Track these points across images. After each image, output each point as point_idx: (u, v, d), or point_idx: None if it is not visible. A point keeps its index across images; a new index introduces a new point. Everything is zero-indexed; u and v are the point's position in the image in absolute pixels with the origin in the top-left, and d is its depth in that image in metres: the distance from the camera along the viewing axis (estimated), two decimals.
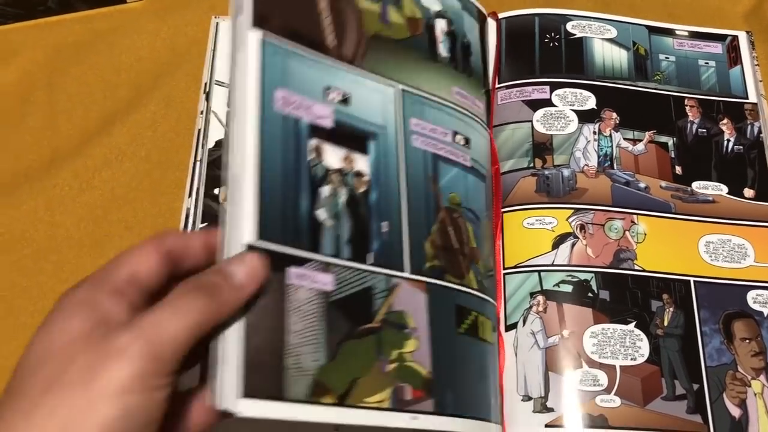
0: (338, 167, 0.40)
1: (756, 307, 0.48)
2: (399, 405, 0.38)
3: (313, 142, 0.39)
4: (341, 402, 0.35)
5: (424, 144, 0.44)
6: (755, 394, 0.46)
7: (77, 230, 0.54)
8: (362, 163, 0.41)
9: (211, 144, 0.55)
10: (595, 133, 0.53)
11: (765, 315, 0.48)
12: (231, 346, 0.32)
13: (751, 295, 0.48)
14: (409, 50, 0.46)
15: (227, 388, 0.32)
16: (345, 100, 0.41)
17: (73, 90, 0.60)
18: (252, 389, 0.32)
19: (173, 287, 0.32)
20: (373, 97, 0.43)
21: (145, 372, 0.29)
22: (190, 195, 0.54)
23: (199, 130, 0.56)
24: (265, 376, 0.33)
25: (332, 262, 0.38)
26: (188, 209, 0.53)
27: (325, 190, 0.39)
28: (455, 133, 0.47)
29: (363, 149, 0.42)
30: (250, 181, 0.35)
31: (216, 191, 0.54)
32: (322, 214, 0.38)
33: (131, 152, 0.57)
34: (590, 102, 0.54)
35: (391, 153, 0.43)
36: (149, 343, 0.29)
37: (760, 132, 0.54)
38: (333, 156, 0.40)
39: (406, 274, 0.41)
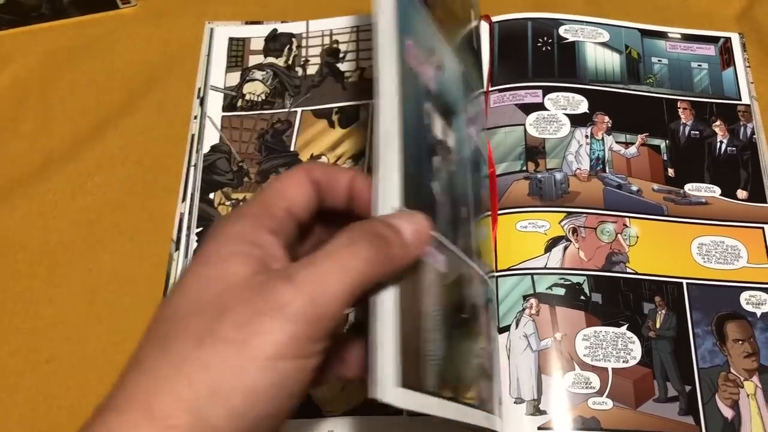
0: (440, 138, 0.35)
1: (749, 308, 0.48)
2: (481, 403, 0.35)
3: (428, 105, 0.34)
4: (455, 398, 0.32)
5: (474, 134, 0.43)
6: (748, 396, 0.46)
7: (70, 235, 0.54)
8: (451, 140, 0.37)
9: (206, 149, 0.56)
10: (587, 136, 0.53)
11: (758, 316, 0.48)
12: (388, 327, 0.27)
13: (744, 297, 0.49)
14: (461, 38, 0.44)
15: (384, 376, 0.26)
16: (439, 68, 0.37)
17: (66, 95, 0.60)
18: (407, 378, 0.27)
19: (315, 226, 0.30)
20: (452, 73, 0.39)
21: (302, 335, 0.26)
22: (183, 199, 0.54)
23: (193, 135, 0.57)
24: (413, 365, 0.28)
25: (443, 242, 0.33)
26: (182, 213, 0.54)
27: (435, 161, 0.34)
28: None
29: (450, 125, 0.37)
30: (397, 138, 0.30)
31: (211, 196, 0.54)
32: (436, 186, 0.34)
33: (123, 157, 0.57)
34: (582, 106, 0.55)
35: (464, 136, 0.39)
36: (311, 302, 0.26)
37: (753, 133, 0.55)
38: (438, 125, 0.35)
39: (474, 266, 0.39)
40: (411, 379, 0.28)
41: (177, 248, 0.52)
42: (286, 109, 0.57)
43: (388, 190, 0.29)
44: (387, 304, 0.27)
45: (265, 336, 0.26)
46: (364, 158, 0.54)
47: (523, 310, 0.47)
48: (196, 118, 0.57)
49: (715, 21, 0.60)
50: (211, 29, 0.61)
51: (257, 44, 0.60)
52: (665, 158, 0.54)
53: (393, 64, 0.30)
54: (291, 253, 0.30)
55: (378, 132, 0.30)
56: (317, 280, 0.26)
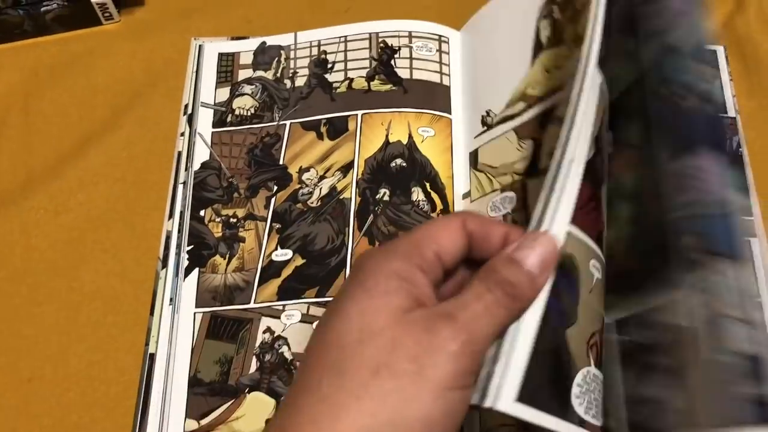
0: None
1: None
2: None
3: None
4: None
5: None
6: None
7: (53, 253, 0.54)
8: None
9: (196, 166, 0.55)
10: None
11: None
12: (521, 343, 0.30)
13: None
14: None
15: (506, 390, 0.30)
16: None
17: (49, 112, 0.60)
18: (528, 395, 0.30)
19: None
20: None
21: (464, 369, 0.29)
22: (170, 217, 0.54)
23: (180, 152, 0.56)
24: (538, 382, 0.31)
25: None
26: (169, 231, 0.53)
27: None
28: None
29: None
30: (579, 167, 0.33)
31: (202, 213, 0.54)
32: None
33: (106, 174, 0.57)
34: None
35: None
36: (469, 340, 0.29)
37: (739, 146, 0.55)
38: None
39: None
40: (534, 396, 0.30)
41: (164, 266, 0.52)
42: (275, 123, 0.57)
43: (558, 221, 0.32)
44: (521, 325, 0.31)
45: (435, 369, 0.28)
46: (353, 169, 0.54)
47: None
48: (183, 134, 0.57)
49: None
50: (200, 45, 0.61)
51: (246, 58, 0.60)
52: None
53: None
54: (435, 292, 0.32)
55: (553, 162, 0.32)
56: (472, 321, 0.29)
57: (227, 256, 0.52)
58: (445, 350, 0.28)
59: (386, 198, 0.53)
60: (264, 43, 0.61)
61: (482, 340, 0.30)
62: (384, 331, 0.29)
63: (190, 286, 0.51)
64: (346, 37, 0.60)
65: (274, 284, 0.51)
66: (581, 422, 0.32)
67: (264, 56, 0.60)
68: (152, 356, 0.49)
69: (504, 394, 0.29)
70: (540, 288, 0.31)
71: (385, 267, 0.31)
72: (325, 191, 0.54)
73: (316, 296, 0.50)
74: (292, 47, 0.60)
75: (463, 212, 0.34)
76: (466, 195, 0.52)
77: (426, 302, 0.31)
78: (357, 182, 0.54)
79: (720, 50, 0.59)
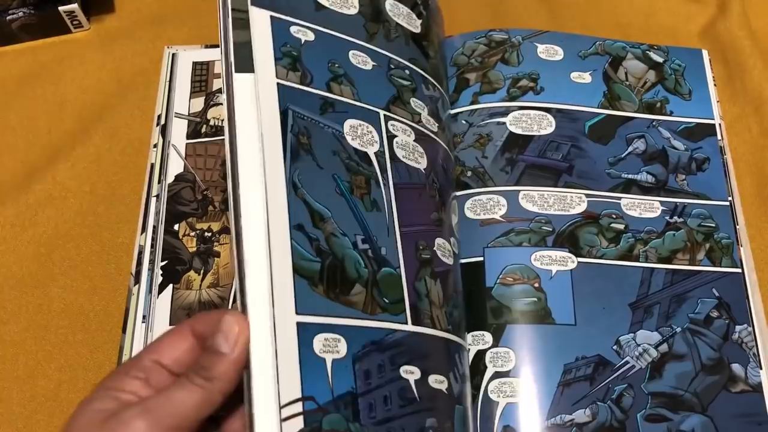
0: None
1: None
2: None
3: None
4: None
5: None
6: None
7: (20, 269, 0.53)
8: None
9: (170, 178, 0.55)
10: None
11: None
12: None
13: None
14: None
15: None
16: None
17: (17, 124, 0.59)
18: None
19: None
20: None
21: None
22: (143, 231, 0.53)
23: (152, 164, 0.55)
24: None
25: None
26: (141, 246, 0.52)
27: None
28: None
29: None
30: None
31: (176, 227, 0.53)
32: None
33: (76, 187, 0.56)
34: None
35: None
36: (154, 417, 0.32)
37: (723, 152, 0.55)
38: None
39: None
40: None
41: (136, 282, 0.51)
42: None
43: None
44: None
45: None
46: None
47: None
48: (155, 146, 0.56)
49: (678, 37, 0.61)
50: (173, 54, 0.60)
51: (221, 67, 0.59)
52: None
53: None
54: None
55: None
56: (162, 402, 0.33)
57: (202, 271, 0.51)
58: (129, 428, 0.32)
59: None
60: None
61: (174, 417, 0.33)
62: (81, 428, 0.33)
63: (163, 302, 0.50)
64: None
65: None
66: None
67: None
68: None
69: None
70: (236, 361, 0.34)
71: (101, 382, 0.36)
72: None
73: None
74: None
75: (193, 318, 0.38)
76: None
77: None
78: None
79: (703, 54, 0.59)
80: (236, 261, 0.36)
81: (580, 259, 0.49)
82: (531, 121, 0.54)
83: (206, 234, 0.53)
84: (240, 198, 0.36)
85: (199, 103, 0.58)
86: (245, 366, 0.34)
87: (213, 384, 0.34)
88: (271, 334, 0.35)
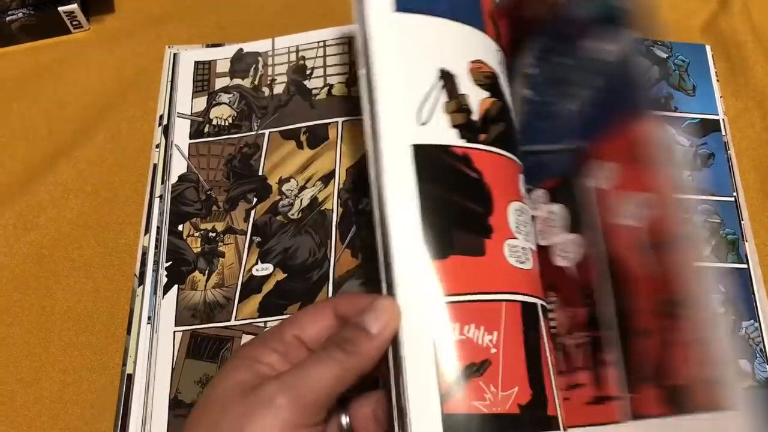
0: None
1: None
2: None
3: None
4: None
5: None
6: None
7: (22, 271, 0.53)
8: None
9: (174, 179, 0.54)
10: None
11: None
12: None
13: None
14: None
15: None
16: None
17: (17, 125, 0.58)
18: None
19: None
20: None
21: (290, 421, 0.32)
22: (146, 232, 0.53)
23: (155, 165, 0.55)
24: None
25: None
26: (145, 247, 0.52)
27: None
28: None
29: None
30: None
31: (180, 227, 0.53)
32: None
33: (77, 188, 0.56)
34: None
35: None
36: (294, 394, 0.33)
37: (727, 148, 0.55)
38: None
39: None
40: None
41: (141, 283, 0.51)
42: (254, 132, 0.56)
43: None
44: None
45: (255, 423, 0.32)
46: (334, 178, 0.54)
47: None
48: (158, 146, 0.56)
49: (680, 32, 0.61)
50: (174, 54, 0.60)
51: (223, 66, 0.59)
52: None
53: None
54: None
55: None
56: (299, 377, 0.33)
57: (207, 271, 0.51)
58: (270, 405, 0.32)
59: (369, 208, 0.52)
60: (241, 50, 0.60)
61: (312, 393, 0.33)
62: (219, 399, 0.33)
63: (169, 303, 0.50)
64: (324, 41, 0.59)
65: (255, 300, 0.50)
66: None
67: (241, 63, 0.59)
68: (130, 377, 0.48)
69: None
70: (381, 345, 0.34)
71: (240, 350, 0.37)
72: (306, 202, 0.53)
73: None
74: (270, 53, 0.59)
75: (336, 297, 0.39)
76: None
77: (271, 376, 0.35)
78: (339, 192, 0.53)
79: (706, 49, 0.59)
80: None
81: None
82: None
83: (210, 234, 0.53)
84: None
85: (201, 103, 0.58)
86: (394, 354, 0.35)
87: (353, 359, 0.34)
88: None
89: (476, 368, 0.35)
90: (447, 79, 0.40)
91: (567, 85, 0.44)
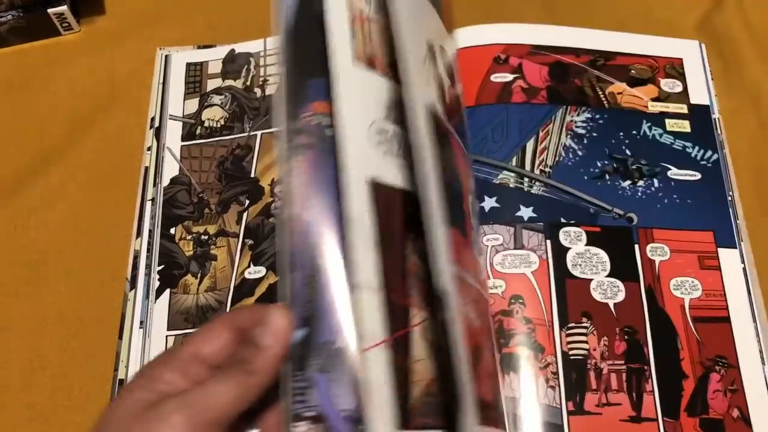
0: None
1: None
2: None
3: None
4: None
5: None
6: None
7: (13, 276, 0.52)
8: None
9: (165, 182, 0.54)
10: None
11: None
12: None
13: None
14: None
15: None
16: None
17: (7, 129, 0.58)
18: None
19: None
20: None
21: None
22: (138, 236, 0.52)
23: (147, 168, 0.55)
24: None
25: None
26: (137, 251, 0.52)
27: None
28: None
29: None
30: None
31: (172, 231, 0.52)
32: None
33: (68, 192, 0.55)
34: None
35: None
36: (191, 412, 0.33)
37: (722, 147, 0.55)
38: None
39: None
40: None
41: (132, 287, 0.51)
42: (246, 134, 0.56)
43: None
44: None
45: None
46: None
47: None
48: (149, 149, 0.56)
49: (675, 30, 0.61)
50: (166, 56, 0.59)
51: (215, 67, 0.59)
52: None
53: None
54: None
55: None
56: (198, 394, 0.33)
57: (199, 275, 0.51)
58: (166, 422, 0.32)
59: None
60: (233, 50, 0.60)
61: (211, 412, 0.33)
62: (117, 419, 0.34)
63: (161, 307, 0.50)
64: None
65: (248, 303, 0.50)
66: None
67: (233, 64, 0.59)
68: (122, 382, 0.48)
69: None
70: (275, 358, 0.35)
71: (139, 372, 0.36)
72: None
73: None
74: (262, 54, 0.59)
75: (234, 311, 0.39)
76: None
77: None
78: None
79: (694, 45, 0.59)
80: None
81: None
82: None
83: (203, 237, 0.52)
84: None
85: (193, 105, 0.58)
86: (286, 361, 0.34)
87: (252, 378, 0.34)
88: None
89: None
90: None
91: None
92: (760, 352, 0.48)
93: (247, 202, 0.53)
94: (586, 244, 0.50)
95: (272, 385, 0.34)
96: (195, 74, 0.59)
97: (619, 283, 0.49)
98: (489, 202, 0.50)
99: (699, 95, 0.56)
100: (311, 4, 0.38)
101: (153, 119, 0.57)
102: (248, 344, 0.35)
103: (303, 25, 0.38)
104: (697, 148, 0.54)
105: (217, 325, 0.37)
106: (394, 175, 0.37)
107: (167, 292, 0.50)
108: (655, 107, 0.55)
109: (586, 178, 0.52)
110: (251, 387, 0.34)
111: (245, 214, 0.53)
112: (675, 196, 0.52)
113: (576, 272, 0.49)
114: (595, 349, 0.47)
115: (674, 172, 0.53)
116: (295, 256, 0.35)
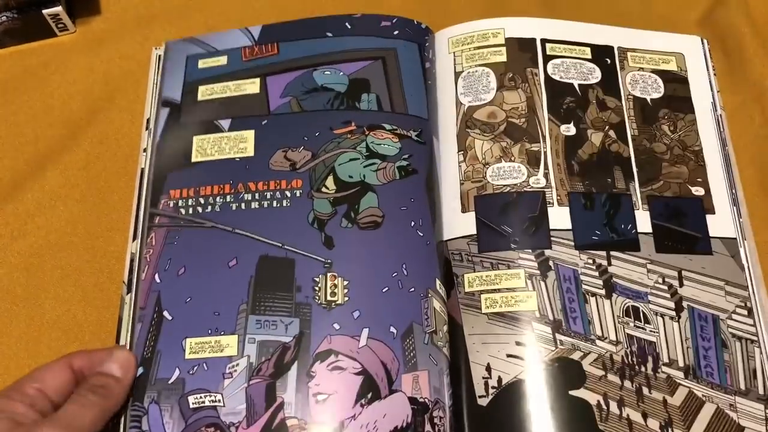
0: None
1: None
2: None
3: None
4: None
5: None
6: None
7: (10, 280, 0.53)
8: None
9: None
10: None
11: None
12: None
13: None
14: None
15: None
16: None
17: (3, 131, 0.58)
18: None
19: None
20: None
21: None
22: (135, 238, 0.52)
23: (143, 170, 0.55)
24: None
25: None
26: (133, 253, 0.52)
27: None
28: None
29: None
30: None
31: None
32: None
33: (65, 195, 0.56)
34: None
35: None
36: (64, 427, 0.38)
37: (725, 144, 0.54)
38: None
39: None
40: None
41: (129, 290, 0.51)
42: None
43: None
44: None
45: None
46: None
47: None
48: (145, 150, 0.55)
49: (676, 25, 0.60)
50: (160, 55, 0.59)
51: None
52: None
53: None
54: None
55: None
56: (70, 416, 0.39)
57: None
58: None
59: None
60: None
61: (84, 429, 0.39)
62: None
63: None
64: None
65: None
66: None
67: None
68: None
69: None
70: (126, 387, 0.44)
71: None
72: None
73: None
74: None
75: (71, 354, 0.43)
76: None
77: (29, 424, 0.38)
78: None
79: (696, 41, 0.58)
80: None
81: None
82: None
83: None
84: None
85: None
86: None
87: (108, 401, 0.41)
88: None
89: None
90: None
91: None
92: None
93: None
94: None
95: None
96: None
97: None
98: None
99: (701, 91, 0.56)
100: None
101: (148, 120, 0.57)
102: (101, 375, 0.42)
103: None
104: None
105: (57, 365, 0.42)
106: None
107: None
108: None
109: None
110: (108, 410, 0.41)
111: None
112: None
113: None
114: None
115: None
116: (141, 311, 0.47)
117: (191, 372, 0.45)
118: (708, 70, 0.57)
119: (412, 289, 0.46)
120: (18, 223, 0.55)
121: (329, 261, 0.48)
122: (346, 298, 0.46)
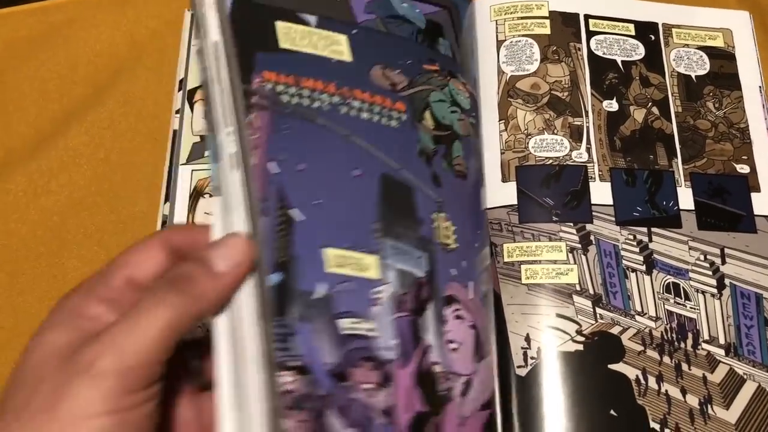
0: None
1: None
2: None
3: None
4: None
5: None
6: None
7: (33, 238, 0.53)
8: None
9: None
10: None
11: None
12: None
13: None
14: None
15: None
16: None
17: (27, 88, 0.59)
18: None
19: None
20: None
21: (115, 391, 0.27)
22: (167, 200, 0.52)
23: (175, 131, 0.55)
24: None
25: None
26: (165, 215, 0.52)
27: None
28: None
29: None
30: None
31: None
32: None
33: (89, 154, 0.56)
34: None
35: None
36: (118, 357, 0.28)
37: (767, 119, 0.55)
38: None
39: None
40: None
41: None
42: None
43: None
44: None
45: (72, 398, 0.27)
46: None
47: None
48: (177, 112, 0.56)
49: (716, 1, 0.61)
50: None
51: None
52: None
53: None
54: None
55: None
56: (123, 335, 0.28)
57: None
58: (89, 372, 0.27)
59: None
60: None
61: (140, 354, 0.28)
62: (37, 368, 0.28)
63: None
64: None
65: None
66: None
67: None
68: None
69: None
70: (227, 288, 0.31)
71: (62, 303, 0.31)
72: None
73: None
74: None
75: (167, 229, 0.36)
76: None
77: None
78: None
79: (745, 16, 0.59)
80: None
81: None
82: None
83: None
84: None
85: None
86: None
87: (189, 301, 0.29)
88: None
89: None
90: None
91: None
92: None
93: None
94: None
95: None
96: None
97: None
98: None
99: (749, 68, 0.57)
100: None
101: (182, 81, 0.57)
102: (193, 262, 0.30)
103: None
104: None
105: (152, 244, 0.32)
106: None
107: None
108: None
109: None
110: (188, 313, 0.29)
111: None
112: None
113: None
114: None
115: None
116: (262, 202, 0.35)
117: (336, 290, 0.37)
118: (755, 46, 0.58)
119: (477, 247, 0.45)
120: (42, 181, 0.55)
121: (440, 199, 0.43)
122: (457, 245, 0.43)
